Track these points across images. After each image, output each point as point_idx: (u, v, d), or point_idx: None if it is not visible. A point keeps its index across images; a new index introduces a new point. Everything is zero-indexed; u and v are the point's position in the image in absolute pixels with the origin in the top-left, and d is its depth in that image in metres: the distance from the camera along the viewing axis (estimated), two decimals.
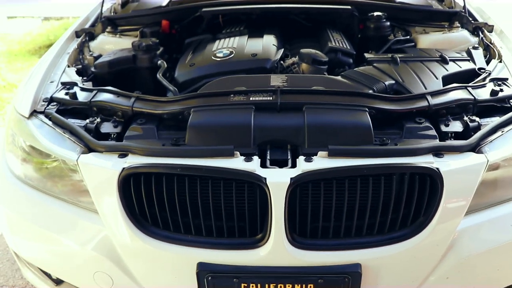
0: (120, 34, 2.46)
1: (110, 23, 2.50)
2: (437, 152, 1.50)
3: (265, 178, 1.41)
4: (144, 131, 1.62)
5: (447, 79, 1.88)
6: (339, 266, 1.48)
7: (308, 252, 1.47)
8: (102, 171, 1.51)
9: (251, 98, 1.62)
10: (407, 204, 1.49)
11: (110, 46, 2.34)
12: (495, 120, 1.63)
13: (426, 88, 1.80)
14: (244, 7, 2.38)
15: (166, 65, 2.04)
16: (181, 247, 1.51)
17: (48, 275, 1.83)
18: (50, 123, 1.71)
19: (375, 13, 2.34)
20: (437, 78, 1.86)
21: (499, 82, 1.81)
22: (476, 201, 1.52)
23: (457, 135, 1.60)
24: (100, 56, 2.23)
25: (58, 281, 1.84)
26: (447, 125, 1.62)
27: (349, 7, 2.35)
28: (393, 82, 1.82)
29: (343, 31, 2.39)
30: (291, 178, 1.40)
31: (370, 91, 1.73)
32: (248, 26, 2.40)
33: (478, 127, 1.60)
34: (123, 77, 2.10)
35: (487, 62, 2.05)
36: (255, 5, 2.38)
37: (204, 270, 1.49)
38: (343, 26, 2.48)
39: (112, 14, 2.73)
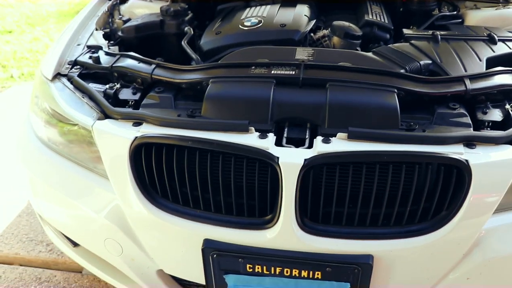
0: None
1: None
2: (469, 142, 1.37)
3: (278, 158, 1.33)
4: (161, 99, 1.58)
5: (492, 62, 1.71)
6: (350, 256, 1.40)
7: (317, 238, 1.40)
8: (115, 139, 1.49)
9: (272, 72, 1.54)
10: (429, 196, 1.38)
11: (140, 10, 2.29)
12: None
13: (466, 71, 1.65)
14: None
15: (192, 32, 1.98)
16: (189, 222, 1.47)
17: (67, 237, 1.86)
18: (71, 86, 1.70)
19: None
20: (480, 60, 1.70)
21: None
22: (509, 198, 1.39)
23: (495, 125, 1.46)
24: (129, 20, 2.19)
25: (76, 243, 1.87)
26: (484, 113, 1.48)
27: None
28: (430, 62, 1.67)
29: (384, 4, 2.23)
30: (304, 160, 1.32)
31: (402, 71, 1.59)
32: None
33: None
34: (150, 42, 2.06)
35: None
36: None
37: (209, 247, 1.45)
38: None
39: None
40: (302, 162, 1.32)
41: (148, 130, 1.46)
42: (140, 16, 2.13)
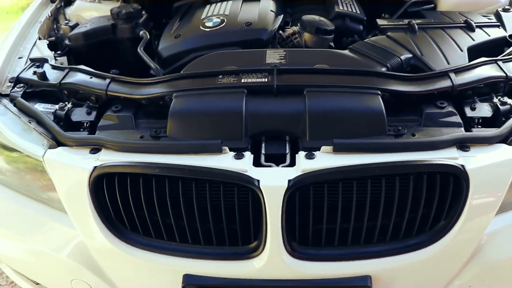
0: None
1: None
2: (462, 144, 1.26)
3: (258, 181, 1.19)
4: (120, 119, 1.40)
5: (473, 51, 1.61)
6: (346, 279, 1.28)
7: (309, 263, 1.27)
8: (71, 170, 1.31)
9: (242, 80, 1.38)
10: (425, 206, 1.27)
11: (88, 13, 2.07)
12: None
13: (448, 63, 1.54)
14: None
15: (148, 36, 1.79)
16: (164, 257, 1.32)
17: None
18: (15, 109, 1.49)
19: None
20: (461, 50, 1.59)
21: None
22: (508, 199, 1.30)
23: (485, 121, 1.36)
24: (77, 25, 1.98)
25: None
26: (473, 109, 1.38)
27: None
28: (410, 55, 1.56)
29: None
30: (289, 181, 1.19)
31: (384, 69, 1.47)
32: None
33: (510, 111, 1.36)
34: (102, 50, 1.86)
35: None
36: None
37: (191, 284, 1.30)
38: None
39: None
40: (286, 184, 1.18)
41: (108, 157, 1.29)
42: (89, 20, 1.92)
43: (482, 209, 1.27)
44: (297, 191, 1.21)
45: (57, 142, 1.36)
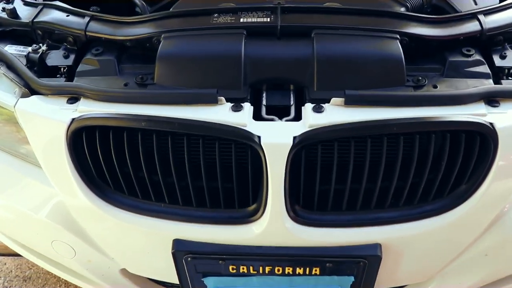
0: None
1: None
2: (491, 99, 1.11)
3: (259, 137, 1.04)
4: (101, 64, 1.23)
5: None
6: (353, 248, 1.15)
7: (313, 229, 1.14)
8: (46, 122, 1.15)
9: (241, 19, 1.21)
10: (446, 167, 1.12)
11: None
12: None
13: (476, 3, 1.35)
14: None
15: None
16: (152, 219, 1.19)
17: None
18: None
19: None
20: None
21: None
22: None
23: None
24: None
25: None
26: (503, 57, 1.21)
27: None
28: None
29: None
30: (294, 138, 1.03)
31: (403, 9, 1.28)
32: None
33: None
34: None
35: None
36: None
37: (181, 251, 1.17)
38: None
39: None
40: (291, 141, 1.03)
41: (88, 107, 1.13)
42: None
43: (509, 173, 1.13)
44: (303, 150, 1.06)
45: (30, 90, 1.19)
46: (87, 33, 1.27)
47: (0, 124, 1.31)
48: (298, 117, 1.09)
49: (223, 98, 1.10)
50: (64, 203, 1.24)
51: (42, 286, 1.97)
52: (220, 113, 1.08)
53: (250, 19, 1.20)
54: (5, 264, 2.08)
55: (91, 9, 1.42)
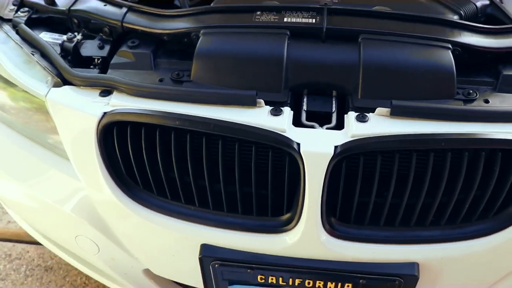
0: None
1: None
2: None
3: (299, 145, 0.99)
4: (137, 57, 1.19)
5: None
6: (390, 265, 1.10)
7: (349, 243, 1.09)
8: (77, 115, 1.11)
9: (285, 19, 1.15)
10: (494, 186, 1.06)
11: None
12: None
13: None
14: None
15: None
16: (181, 222, 1.15)
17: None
18: (17, 37, 1.29)
19: None
20: None
21: None
22: None
23: None
24: None
25: None
26: None
27: None
28: (487, 2, 1.29)
29: None
30: (335, 147, 0.98)
31: (456, 17, 1.21)
32: None
33: None
34: None
35: None
36: None
37: (209, 256, 1.13)
38: None
39: None
40: (331, 151, 0.98)
41: (121, 102, 1.10)
42: None
43: None
44: (343, 160, 1.01)
45: (63, 80, 1.16)
46: (123, 24, 1.23)
47: (30, 113, 1.29)
48: (339, 126, 1.03)
49: (262, 101, 1.05)
50: (90, 198, 1.21)
51: (63, 277, 1.95)
52: (258, 117, 1.03)
53: (294, 19, 1.14)
54: (28, 252, 2.07)
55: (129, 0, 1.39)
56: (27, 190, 1.34)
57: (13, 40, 1.28)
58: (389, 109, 1.01)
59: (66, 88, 1.15)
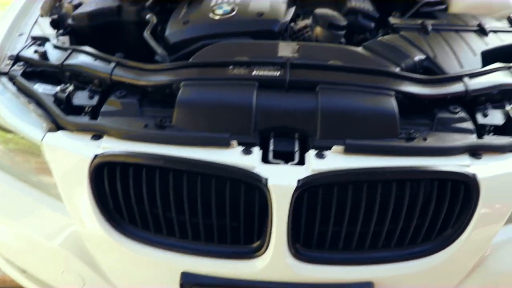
0: None
1: None
2: (475, 152, 1.24)
3: (267, 179, 1.15)
4: (124, 106, 1.35)
5: (486, 56, 1.57)
6: (348, 285, 1.25)
7: (312, 266, 1.24)
8: (71, 156, 1.26)
9: (254, 72, 1.33)
10: (433, 212, 1.24)
11: None
12: None
13: (462, 67, 1.50)
14: None
15: (156, 21, 1.72)
16: (163, 252, 1.28)
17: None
18: (13, 88, 1.43)
19: None
20: (475, 55, 1.56)
21: None
22: None
23: (496, 129, 1.34)
24: (80, 4, 1.89)
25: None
26: (485, 116, 1.35)
27: None
28: (424, 57, 1.51)
29: None
30: (298, 181, 1.15)
31: (397, 69, 1.43)
32: None
33: None
34: (107, 32, 1.79)
35: None
36: None
37: (189, 282, 1.26)
38: None
39: None
40: (295, 184, 1.15)
41: (110, 144, 1.24)
42: (94, 0, 1.84)
43: (490, 220, 1.25)
44: (305, 192, 1.18)
45: (57, 126, 1.30)
46: (112, 77, 1.39)
47: (21, 155, 1.41)
48: (302, 162, 1.21)
49: (235, 142, 1.22)
50: (79, 233, 1.33)
51: None
52: (232, 156, 1.20)
53: (262, 72, 1.33)
54: None
55: (116, 55, 1.55)
56: (16, 228, 1.44)
57: (10, 91, 1.42)
58: (343, 147, 1.20)
59: (61, 133, 1.29)
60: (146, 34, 1.64)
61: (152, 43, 1.61)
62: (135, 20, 1.77)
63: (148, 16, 1.73)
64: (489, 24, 1.73)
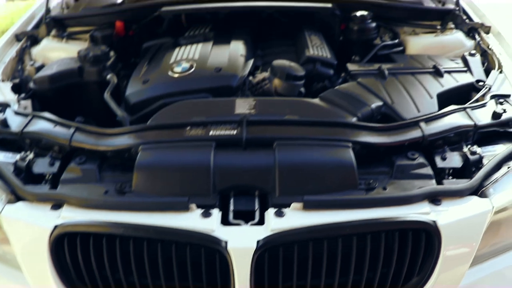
0: (67, 38, 2.11)
1: (57, 24, 2.15)
2: (434, 198, 1.25)
3: (226, 243, 1.15)
4: (84, 172, 1.35)
5: (442, 97, 1.61)
6: None
7: None
8: (31, 228, 1.24)
9: (211, 132, 1.35)
10: (397, 261, 1.24)
11: (55, 53, 2.00)
12: (499, 150, 1.40)
13: (419, 111, 1.53)
14: (209, 6, 2.05)
15: (116, 81, 1.74)
16: None
17: None
18: None
19: (359, 13, 2.04)
20: (431, 97, 1.59)
21: (500, 100, 1.56)
22: (481, 251, 1.29)
23: (455, 171, 1.37)
24: (42, 66, 1.91)
25: None
26: (443, 159, 1.37)
27: (330, 5, 2.03)
28: (381, 104, 1.54)
29: (323, 31, 2.10)
30: (257, 242, 1.15)
31: (354, 119, 1.45)
32: (215, 27, 2.08)
33: (479, 160, 1.37)
34: (69, 94, 1.80)
35: (486, 72, 1.79)
36: (222, 4, 2.05)
37: None
38: (324, 24, 2.18)
39: (63, 10, 2.37)
40: (254, 245, 1.14)
41: (70, 214, 1.24)
42: (55, 62, 1.86)
43: (455, 264, 1.26)
44: (266, 252, 1.17)
45: (17, 196, 1.29)
46: (72, 143, 1.39)
47: None
48: (262, 222, 1.21)
49: (194, 205, 1.22)
50: None
51: None
52: (191, 220, 1.20)
53: (218, 131, 1.35)
54: None
55: (76, 120, 1.56)
56: None
57: None
58: (302, 203, 1.20)
59: (20, 204, 1.28)
60: (106, 95, 1.65)
61: (112, 105, 1.62)
62: (97, 80, 1.78)
63: (108, 76, 1.74)
64: (444, 65, 1.79)
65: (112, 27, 2.09)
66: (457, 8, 2.15)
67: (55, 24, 2.14)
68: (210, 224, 1.18)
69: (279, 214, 1.20)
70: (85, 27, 2.13)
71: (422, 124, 1.41)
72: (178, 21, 2.18)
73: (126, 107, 1.65)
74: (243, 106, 1.46)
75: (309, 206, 1.20)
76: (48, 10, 2.17)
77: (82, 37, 2.13)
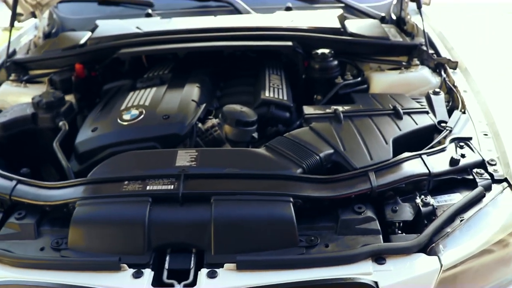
0: (27, 82, 2.10)
1: (18, 67, 2.14)
2: (378, 256, 1.20)
3: None
4: (22, 228, 1.32)
5: (399, 141, 1.56)
6: None
7: None
8: None
9: (148, 187, 1.31)
10: None
11: (13, 97, 1.98)
12: (455, 200, 1.34)
13: (372, 158, 1.48)
14: (167, 47, 2.03)
15: (67, 128, 1.71)
16: None
17: None
18: None
19: (320, 51, 2.01)
20: (386, 143, 1.53)
21: (461, 144, 1.51)
22: None
23: (406, 224, 1.31)
24: (0, 111, 1.89)
25: None
26: (394, 211, 1.32)
27: (290, 43, 2.01)
28: (331, 151, 1.49)
29: (289, 67, 2.07)
30: None
31: (299, 170, 1.40)
32: (176, 66, 2.06)
33: (433, 212, 1.31)
34: (23, 140, 1.77)
35: (449, 111, 1.74)
36: (181, 44, 2.03)
37: None
38: (289, 61, 2.16)
39: (28, 51, 2.37)
40: None
41: (4, 273, 1.20)
42: (10, 108, 1.83)
43: None
44: None
45: None
46: (12, 197, 1.36)
47: None
48: (195, 282, 1.16)
49: (125, 265, 1.17)
50: None
51: None
52: (122, 280, 1.15)
53: (155, 186, 1.31)
54: None
55: (21, 171, 1.53)
56: None
57: None
58: (235, 264, 1.15)
59: None
60: (55, 145, 1.62)
61: (59, 155, 1.59)
62: (50, 127, 1.76)
63: (60, 123, 1.72)
64: (406, 105, 1.75)
65: (73, 69, 2.07)
66: (423, 44, 2.11)
67: (16, 68, 2.13)
68: (140, 285, 1.13)
69: (212, 275, 1.15)
70: (47, 70, 2.12)
71: (371, 175, 1.35)
72: (138, 62, 2.16)
73: (75, 156, 1.63)
74: (184, 158, 1.42)
75: (242, 266, 1.15)
76: (10, 54, 2.17)
77: (44, 79, 2.11)
